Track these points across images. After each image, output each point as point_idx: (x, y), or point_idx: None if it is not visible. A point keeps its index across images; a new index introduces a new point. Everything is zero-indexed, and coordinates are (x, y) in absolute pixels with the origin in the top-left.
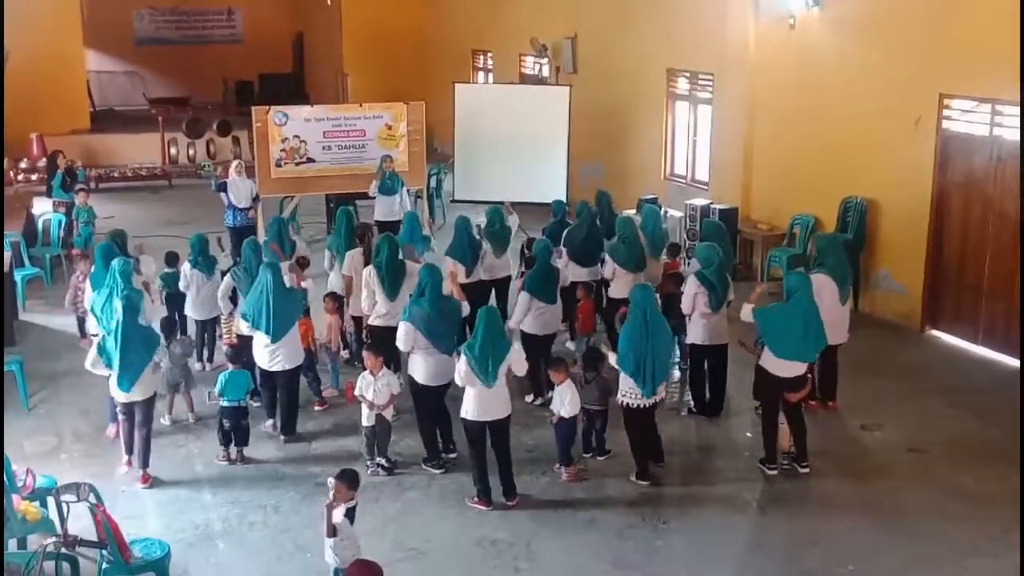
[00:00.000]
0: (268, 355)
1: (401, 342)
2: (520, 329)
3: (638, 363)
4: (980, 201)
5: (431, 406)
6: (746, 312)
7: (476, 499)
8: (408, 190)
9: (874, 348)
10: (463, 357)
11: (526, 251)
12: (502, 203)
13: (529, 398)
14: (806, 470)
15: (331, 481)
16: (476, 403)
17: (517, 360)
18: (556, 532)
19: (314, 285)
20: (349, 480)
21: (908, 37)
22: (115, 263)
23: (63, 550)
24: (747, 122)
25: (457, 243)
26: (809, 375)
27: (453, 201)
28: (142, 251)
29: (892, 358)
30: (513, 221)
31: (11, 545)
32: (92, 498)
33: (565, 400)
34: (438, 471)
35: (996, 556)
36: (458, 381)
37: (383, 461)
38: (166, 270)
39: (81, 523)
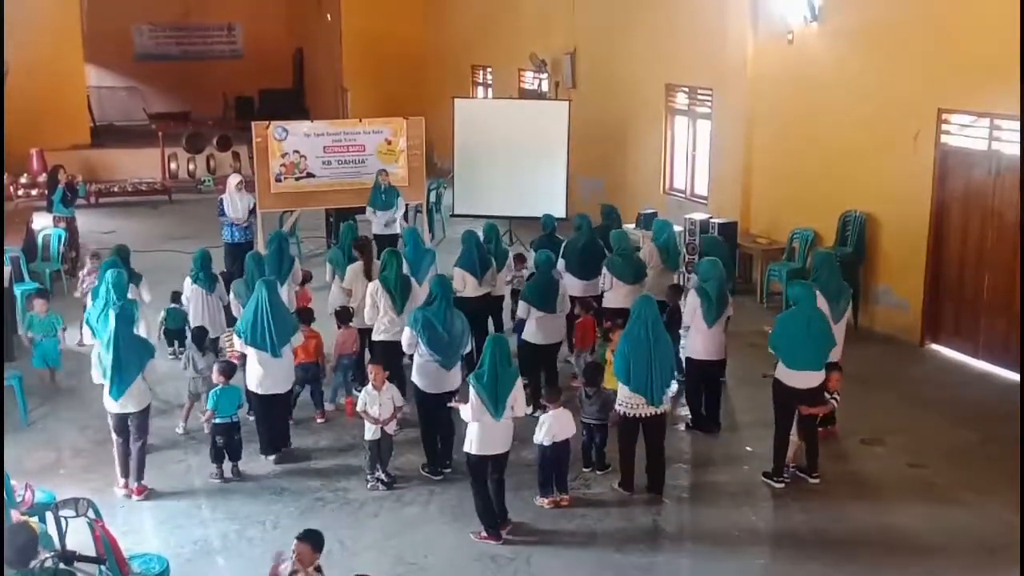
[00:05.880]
0: (257, 378)
1: (406, 345)
2: (520, 338)
3: (640, 373)
4: (979, 215)
5: (432, 413)
6: None
7: (484, 535)
8: (407, 204)
9: (874, 362)
10: (471, 390)
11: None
12: (505, 218)
13: (528, 409)
14: (816, 481)
15: (294, 544)
16: (480, 438)
17: (519, 397)
18: (556, 547)
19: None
20: (314, 542)
21: (907, 52)
22: (108, 274)
23: (61, 565)
24: (746, 136)
25: (466, 255)
26: (831, 397)
27: (453, 216)
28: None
29: (892, 372)
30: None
31: None
32: (91, 513)
33: (543, 427)
34: (434, 477)
35: (997, 571)
36: (466, 418)
37: (383, 476)
38: (171, 306)
39: (80, 538)
